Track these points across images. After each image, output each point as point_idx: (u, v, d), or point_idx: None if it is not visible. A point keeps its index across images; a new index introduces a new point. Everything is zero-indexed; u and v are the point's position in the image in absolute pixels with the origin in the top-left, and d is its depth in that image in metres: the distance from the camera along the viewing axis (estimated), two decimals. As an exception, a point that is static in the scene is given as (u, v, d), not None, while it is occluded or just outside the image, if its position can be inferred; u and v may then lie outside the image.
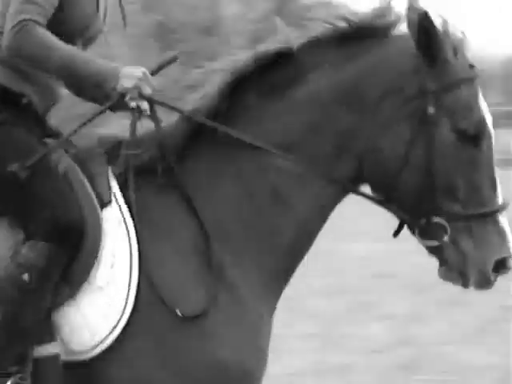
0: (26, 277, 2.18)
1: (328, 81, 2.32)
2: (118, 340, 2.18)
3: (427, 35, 2.24)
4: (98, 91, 2.31)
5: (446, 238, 2.36)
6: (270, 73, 2.35)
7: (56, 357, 2.19)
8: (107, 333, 2.19)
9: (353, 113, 2.32)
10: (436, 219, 2.36)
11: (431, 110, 2.30)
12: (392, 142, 2.33)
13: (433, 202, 2.35)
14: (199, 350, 2.18)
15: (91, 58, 2.27)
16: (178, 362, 2.19)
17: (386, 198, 2.40)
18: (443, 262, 2.40)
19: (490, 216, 2.36)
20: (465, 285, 2.40)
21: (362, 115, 2.32)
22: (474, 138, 2.34)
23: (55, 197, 2.23)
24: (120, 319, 2.19)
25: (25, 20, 2.26)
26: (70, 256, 2.20)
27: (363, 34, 2.33)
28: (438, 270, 2.46)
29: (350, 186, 2.41)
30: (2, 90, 2.32)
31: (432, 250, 2.42)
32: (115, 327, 2.19)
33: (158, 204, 2.34)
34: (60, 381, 2.18)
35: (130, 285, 2.21)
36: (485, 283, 2.39)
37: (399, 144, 2.32)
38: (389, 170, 2.34)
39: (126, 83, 2.28)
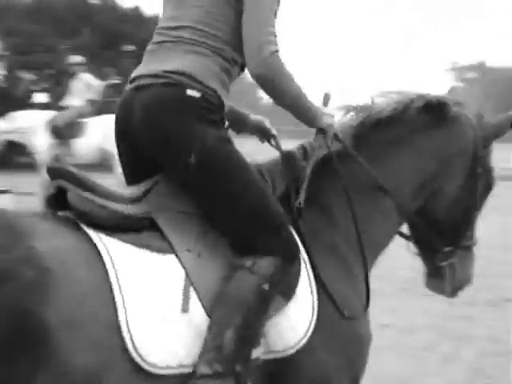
0: (266, 287, 2.45)
1: (434, 140, 2.97)
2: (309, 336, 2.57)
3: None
4: (306, 122, 2.71)
5: (448, 261, 3.09)
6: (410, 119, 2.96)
7: (257, 358, 2.49)
8: (305, 331, 2.54)
9: (440, 163, 2.98)
10: (448, 248, 3.08)
11: (479, 169, 3.05)
12: (451, 186, 3.02)
13: (460, 234, 3.08)
14: (354, 335, 2.71)
15: (306, 95, 2.64)
16: (343, 347, 2.64)
17: (430, 229, 3.06)
18: (437, 276, 3.12)
19: (471, 247, 3.16)
20: (447, 294, 3.15)
21: (443, 166, 2.99)
22: (489, 190, 3.14)
23: (283, 218, 2.59)
24: (311, 320, 2.56)
25: (276, 52, 2.50)
26: (290, 269, 2.55)
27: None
28: (428, 281, 3.19)
29: (412, 219, 3.04)
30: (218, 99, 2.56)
31: (432, 268, 3.15)
32: (309, 326, 2.55)
33: (319, 222, 2.78)
34: (257, 379, 2.52)
35: (312, 292, 2.61)
36: (456, 294, 3.17)
37: (455, 188, 3.02)
38: (442, 206, 3.03)
39: (328, 120, 2.73)
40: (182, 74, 2.51)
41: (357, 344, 2.71)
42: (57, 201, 2.46)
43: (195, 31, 2.58)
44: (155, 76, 2.52)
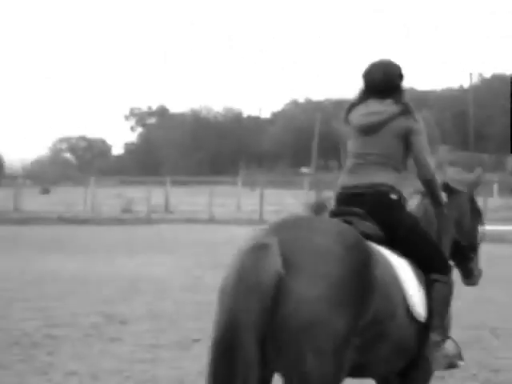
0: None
1: (457, 201, 4.96)
2: None
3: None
4: (437, 201, 4.64)
5: (474, 262, 5.10)
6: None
7: None
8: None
9: (463, 217, 5.00)
10: (472, 254, 5.09)
11: (475, 205, 5.14)
12: (467, 220, 4.99)
13: (476, 243, 5.09)
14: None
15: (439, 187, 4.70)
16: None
17: (466, 245, 5.03)
18: (469, 276, 5.13)
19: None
20: (476, 283, 5.15)
21: (463, 218, 4.99)
22: (480, 216, 5.23)
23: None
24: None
25: (434, 169, 4.49)
26: None
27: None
28: (465, 281, 5.16)
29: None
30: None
31: (465, 272, 5.12)
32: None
33: None
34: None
35: None
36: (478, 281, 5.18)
37: (468, 221, 5.01)
38: (468, 230, 5.01)
39: (444, 199, 4.73)
40: (386, 185, 4.39)
41: None
42: None
43: (383, 157, 4.46)
44: (368, 187, 4.40)
